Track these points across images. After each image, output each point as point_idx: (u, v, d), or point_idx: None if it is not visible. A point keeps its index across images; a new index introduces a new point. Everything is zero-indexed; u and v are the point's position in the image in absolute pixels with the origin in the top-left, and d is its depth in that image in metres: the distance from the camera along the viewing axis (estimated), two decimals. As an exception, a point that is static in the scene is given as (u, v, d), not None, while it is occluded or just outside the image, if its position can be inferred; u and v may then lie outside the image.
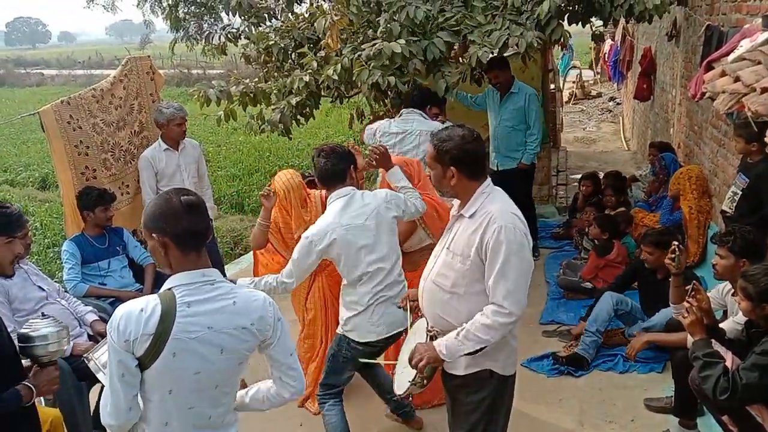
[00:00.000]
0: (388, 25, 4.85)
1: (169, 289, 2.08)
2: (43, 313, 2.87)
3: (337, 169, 3.45)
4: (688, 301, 3.21)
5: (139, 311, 2.00)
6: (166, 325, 2.00)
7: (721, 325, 3.47)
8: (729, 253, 3.49)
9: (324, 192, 4.22)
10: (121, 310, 2.03)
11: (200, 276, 2.09)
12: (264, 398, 2.39)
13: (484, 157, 2.81)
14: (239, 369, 2.22)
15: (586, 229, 6.33)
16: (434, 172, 2.79)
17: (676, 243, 3.76)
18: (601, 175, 7.55)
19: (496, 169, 6.49)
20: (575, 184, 7.96)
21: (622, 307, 4.87)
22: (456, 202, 2.87)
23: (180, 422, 2.13)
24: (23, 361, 2.80)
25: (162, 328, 1.99)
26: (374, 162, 3.80)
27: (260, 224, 4.08)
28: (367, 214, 3.41)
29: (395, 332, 3.53)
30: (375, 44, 4.77)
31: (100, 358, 2.53)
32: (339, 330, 3.62)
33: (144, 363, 2.02)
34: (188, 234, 2.07)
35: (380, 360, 3.90)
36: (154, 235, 2.10)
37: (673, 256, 3.71)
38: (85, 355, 2.99)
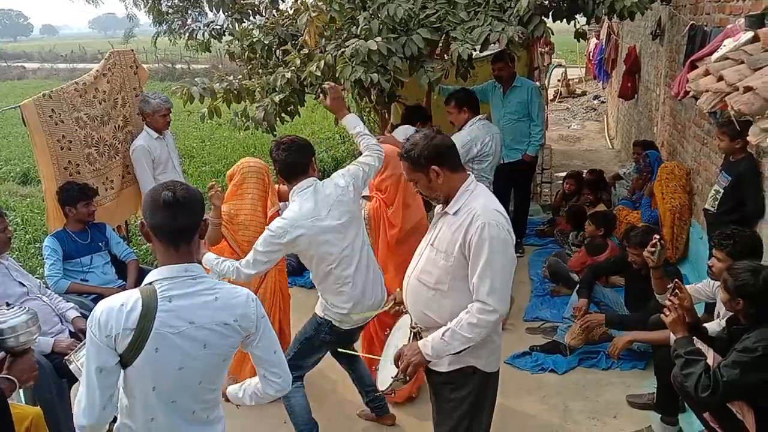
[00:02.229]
0: (368, 23, 4.84)
1: (150, 283, 2.07)
2: (7, 303, 2.80)
3: (298, 161, 3.38)
4: (669, 300, 3.22)
5: (120, 306, 1.99)
6: (148, 320, 1.99)
7: (704, 325, 3.49)
8: (727, 256, 3.50)
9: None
10: (102, 305, 2.02)
11: (182, 270, 2.08)
12: (252, 394, 2.48)
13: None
14: (223, 365, 2.21)
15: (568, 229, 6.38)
16: (420, 183, 2.77)
17: (658, 237, 3.78)
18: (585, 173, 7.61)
19: (502, 162, 6.55)
20: (560, 182, 8.00)
21: (597, 297, 4.96)
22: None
23: (165, 417, 2.12)
24: None
25: (143, 323, 1.98)
26: (328, 102, 3.77)
27: (213, 222, 3.93)
28: (330, 204, 3.38)
29: (372, 314, 3.58)
30: (353, 43, 4.76)
31: (82, 359, 2.49)
32: (320, 313, 3.58)
33: (126, 359, 2.01)
34: (165, 229, 2.07)
35: (360, 353, 3.93)
36: (144, 222, 2.13)
37: (653, 249, 3.73)
38: (66, 358, 2.95)
